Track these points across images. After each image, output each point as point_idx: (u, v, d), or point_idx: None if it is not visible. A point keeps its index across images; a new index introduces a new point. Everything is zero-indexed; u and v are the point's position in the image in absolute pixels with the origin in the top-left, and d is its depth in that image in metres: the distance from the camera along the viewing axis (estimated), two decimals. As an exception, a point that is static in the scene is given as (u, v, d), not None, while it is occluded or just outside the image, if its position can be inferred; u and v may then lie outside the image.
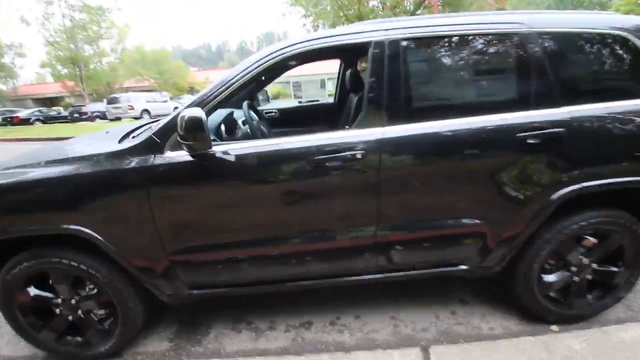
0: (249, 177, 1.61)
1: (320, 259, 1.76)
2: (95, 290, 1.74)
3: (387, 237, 1.71)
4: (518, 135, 1.59)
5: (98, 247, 1.61)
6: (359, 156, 1.57)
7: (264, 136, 2.13)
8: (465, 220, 1.70)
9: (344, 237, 1.71)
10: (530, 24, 1.65)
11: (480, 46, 1.66)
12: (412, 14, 13.64)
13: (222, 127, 2.12)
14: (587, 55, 1.66)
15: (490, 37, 1.65)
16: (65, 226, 1.57)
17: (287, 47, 1.64)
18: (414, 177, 1.63)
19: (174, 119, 1.56)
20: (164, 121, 1.64)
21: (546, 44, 1.63)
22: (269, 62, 1.62)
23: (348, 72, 2.63)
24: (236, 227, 1.68)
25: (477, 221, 1.70)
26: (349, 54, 2.85)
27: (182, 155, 1.57)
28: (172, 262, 1.69)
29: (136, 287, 1.75)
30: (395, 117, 1.61)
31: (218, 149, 1.58)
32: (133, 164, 1.57)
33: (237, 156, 1.58)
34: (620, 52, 1.67)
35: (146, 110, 20.16)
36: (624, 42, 1.66)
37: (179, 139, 1.50)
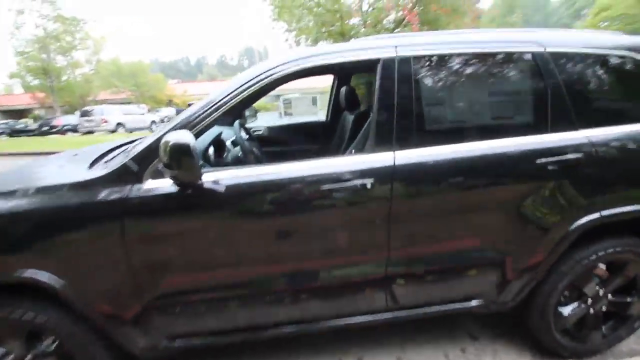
0: (244, 210, 1.41)
1: (324, 299, 1.57)
2: (55, 345, 1.45)
3: (399, 273, 1.55)
4: (538, 161, 1.48)
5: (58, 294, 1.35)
6: (368, 185, 1.40)
7: (257, 160, 1.93)
8: (484, 251, 1.57)
9: (351, 274, 1.53)
10: (543, 43, 1.56)
11: (493, 65, 1.56)
12: (392, 31, 13.95)
13: (211, 150, 1.91)
14: (602, 76, 1.59)
15: (503, 56, 1.55)
16: (18, 274, 1.30)
17: (287, 62, 1.47)
18: (429, 207, 1.49)
19: (156, 142, 1.34)
20: (143, 144, 1.42)
21: (560, 64, 1.55)
22: (268, 78, 1.45)
23: (343, 89, 2.49)
24: (227, 266, 1.46)
25: (496, 251, 1.57)
26: (345, 70, 2.71)
27: (164, 186, 1.35)
28: (149, 308, 1.44)
29: (105, 339, 1.48)
30: (407, 141, 1.46)
31: (207, 177, 1.37)
32: (105, 197, 1.33)
33: (229, 186, 1.38)
34: (634, 72, 1.61)
35: (121, 124, 19.46)
36: (635, 62, 1.60)
37: (161, 167, 1.29)
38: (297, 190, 1.41)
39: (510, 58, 1.55)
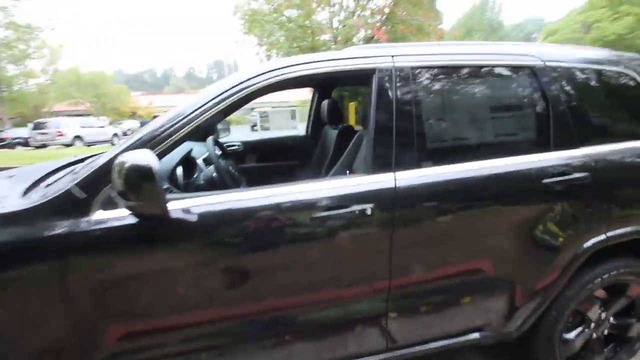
0: (222, 244, 1.18)
1: (315, 343, 1.36)
2: None
3: (401, 308, 1.38)
4: (545, 181, 1.39)
5: None
6: (368, 211, 1.22)
7: (234, 181, 1.70)
8: (493, 277, 1.44)
9: (347, 313, 1.34)
10: (541, 56, 1.49)
11: (494, 79, 1.47)
12: (362, 48, 14.19)
13: (179, 171, 1.64)
14: (602, 92, 1.54)
15: (503, 69, 1.46)
16: None
17: (270, 71, 1.28)
18: (434, 233, 1.35)
19: (108, 163, 1.09)
20: (92, 166, 1.15)
21: (560, 78, 1.48)
22: (249, 88, 1.24)
23: (325, 103, 2.33)
24: (202, 310, 1.22)
25: (506, 276, 1.46)
26: (334, 80, 2.56)
27: (119, 217, 1.09)
28: None
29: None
30: (408, 161, 1.31)
31: (175, 205, 1.12)
32: (41, 233, 1.05)
33: (203, 215, 1.14)
34: (630, 89, 1.58)
35: (79, 137, 18.23)
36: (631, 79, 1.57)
37: (115, 194, 1.03)
38: (284, 218, 1.21)
39: (510, 71, 1.47)
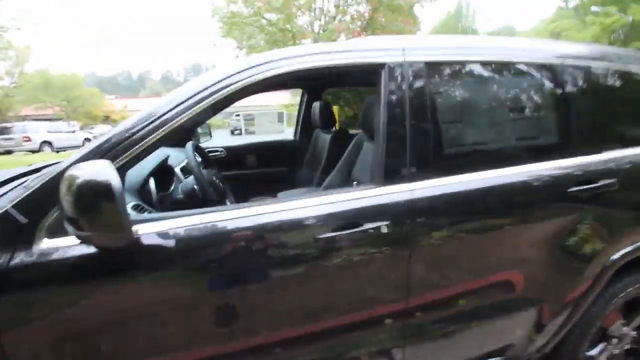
0: (206, 276, 0.96)
1: None
2: None
3: (420, 337, 1.22)
4: (575, 188, 1.26)
5: None
6: (384, 229, 1.03)
7: (219, 193, 1.47)
8: (522, 294, 1.31)
9: (360, 346, 1.16)
10: (557, 53, 1.37)
11: (514, 77, 1.33)
12: (344, 52, 14.19)
13: (152, 183, 1.39)
14: (624, 92, 1.44)
15: (522, 66, 1.33)
16: None
17: (260, 65, 1.08)
18: (457, 250, 1.18)
19: (56, 178, 0.85)
20: (35, 183, 0.90)
21: (579, 78, 1.36)
22: (237, 84, 1.03)
23: (317, 105, 2.15)
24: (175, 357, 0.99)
25: (534, 292, 1.33)
26: (322, 79, 2.36)
27: (71, 247, 0.85)
28: None
29: None
30: (425, 169, 1.14)
31: (146, 228, 0.90)
32: None
33: (181, 241, 0.92)
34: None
35: (47, 142, 17.30)
36: None
37: (64, 220, 0.80)
38: (283, 240, 1.01)
39: (531, 69, 1.33)
